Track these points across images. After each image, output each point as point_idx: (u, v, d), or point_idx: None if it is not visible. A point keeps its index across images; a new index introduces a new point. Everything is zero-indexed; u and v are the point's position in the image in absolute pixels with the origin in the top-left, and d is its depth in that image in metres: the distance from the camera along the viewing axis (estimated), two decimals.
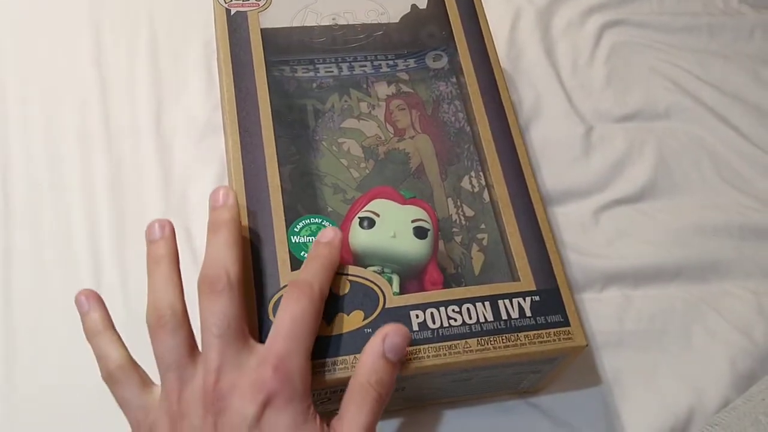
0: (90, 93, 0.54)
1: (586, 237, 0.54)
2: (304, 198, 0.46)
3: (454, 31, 0.48)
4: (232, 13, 0.47)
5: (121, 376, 0.34)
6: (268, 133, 0.42)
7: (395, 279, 0.41)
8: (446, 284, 0.42)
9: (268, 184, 0.40)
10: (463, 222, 0.44)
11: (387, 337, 0.34)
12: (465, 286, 0.40)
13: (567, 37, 0.64)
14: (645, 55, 0.65)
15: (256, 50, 0.45)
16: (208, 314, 0.33)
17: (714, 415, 0.46)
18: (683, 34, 0.67)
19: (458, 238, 0.45)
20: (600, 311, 0.50)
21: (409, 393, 0.40)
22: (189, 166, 0.52)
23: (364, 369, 0.34)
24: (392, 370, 0.34)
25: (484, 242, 0.43)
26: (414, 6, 0.52)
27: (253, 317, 0.36)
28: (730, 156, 0.59)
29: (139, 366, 0.35)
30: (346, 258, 0.41)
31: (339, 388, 0.36)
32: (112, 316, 0.45)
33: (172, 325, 0.33)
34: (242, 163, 0.41)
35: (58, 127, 0.52)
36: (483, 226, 0.43)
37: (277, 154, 0.42)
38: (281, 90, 0.49)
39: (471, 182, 0.45)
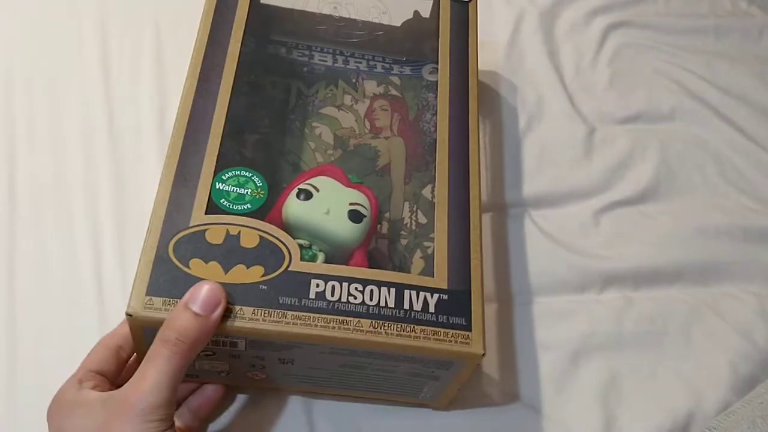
0: (94, 91, 0.55)
1: (586, 238, 0.53)
2: (261, 169, 0.44)
3: (440, 41, 0.48)
4: None
5: None
6: (226, 87, 0.42)
7: (320, 257, 0.40)
8: None
9: (210, 129, 0.40)
10: (414, 227, 0.44)
11: (191, 288, 0.34)
12: None
13: (570, 38, 0.64)
14: (649, 57, 0.64)
15: (237, 25, 0.44)
16: None
17: (712, 419, 0.45)
18: (689, 35, 0.66)
19: (404, 242, 0.44)
20: (599, 312, 0.50)
21: (297, 370, 0.40)
22: None
23: (165, 322, 0.34)
24: (194, 320, 0.33)
25: (429, 251, 0.43)
26: (417, 13, 0.52)
27: (150, 253, 0.36)
28: (734, 158, 0.59)
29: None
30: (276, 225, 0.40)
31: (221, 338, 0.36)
32: (112, 316, 0.46)
33: None
34: (191, 106, 0.41)
35: (63, 125, 0.53)
36: (432, 235, 0.42)
37: (229, 110, 0.41)
38: (271, 67, 0.48)
39: (432, 191, 0.44)
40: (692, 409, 0.46)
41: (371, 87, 0.49)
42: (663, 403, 0.46)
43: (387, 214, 0.44)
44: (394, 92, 0.49)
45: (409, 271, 0.42)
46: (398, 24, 0.52)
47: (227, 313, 0.35)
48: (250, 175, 0.40)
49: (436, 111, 0.45)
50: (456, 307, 0.38)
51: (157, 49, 0.58)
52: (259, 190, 0.40)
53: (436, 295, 0.38)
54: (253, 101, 0.42)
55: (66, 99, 0.54)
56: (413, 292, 0.38)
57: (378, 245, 0.43)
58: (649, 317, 0.50)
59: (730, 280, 0.53)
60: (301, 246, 0.38)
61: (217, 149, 0.40)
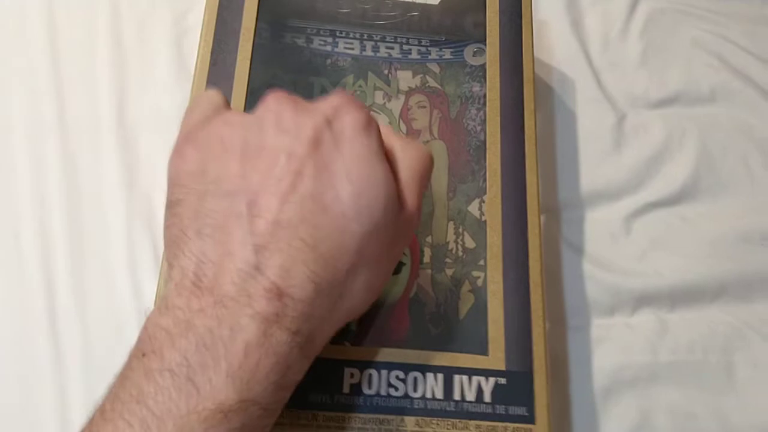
0: (42, 79, 0.47)
1: (616, 249, 0.46)
2: None
3: (488, 15, 0.42)
4: None
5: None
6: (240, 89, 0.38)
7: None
8: (414, 329, 0.35)
9: None
10: (461, 254, 0.38)
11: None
12: (444, 330, 0.34)
13: (597, 4, 0.55)
14: (687, 25, 0.56)
15: (248, 14, 0.39)
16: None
17: None
18: None
19: (449, 272, 0.38)
20: (630, 340, 0.43)
21: None
22: (156, 165, 0.45)
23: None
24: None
25: (479, 282, 0.37)
26: None
27: None
28: None
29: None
30: None
31: None
32: (69, 337, 0.40)
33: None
34: None
35: (5, 118, 0.45)
36: (482, 262, 0.37)
37: None
38: (290, 61, 0.42)
39: (480, 207, 0.38)
40: None
41: (406, 79, 0.43)
42: None
43: (429, 239, 0.38)
44: (432, 83, 0.43)
45: (456, 309, 0.36)
46: (435, 2, 0.44)
47: None
48: None
49: (482, 104, 0.40)
50: (516, 393, 0.33)
51: (114, 26, 0.49)
52: None
53: (491, 380, 0.33)
54: None
55: (9, 87, 0.46)
56: (464, 378, 0.33)
57: (419, 278, 0.38)
58: (687, 344, 0.44)
59: None
60: None
61: None
